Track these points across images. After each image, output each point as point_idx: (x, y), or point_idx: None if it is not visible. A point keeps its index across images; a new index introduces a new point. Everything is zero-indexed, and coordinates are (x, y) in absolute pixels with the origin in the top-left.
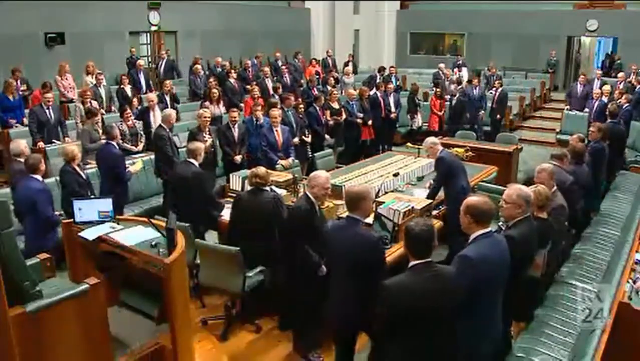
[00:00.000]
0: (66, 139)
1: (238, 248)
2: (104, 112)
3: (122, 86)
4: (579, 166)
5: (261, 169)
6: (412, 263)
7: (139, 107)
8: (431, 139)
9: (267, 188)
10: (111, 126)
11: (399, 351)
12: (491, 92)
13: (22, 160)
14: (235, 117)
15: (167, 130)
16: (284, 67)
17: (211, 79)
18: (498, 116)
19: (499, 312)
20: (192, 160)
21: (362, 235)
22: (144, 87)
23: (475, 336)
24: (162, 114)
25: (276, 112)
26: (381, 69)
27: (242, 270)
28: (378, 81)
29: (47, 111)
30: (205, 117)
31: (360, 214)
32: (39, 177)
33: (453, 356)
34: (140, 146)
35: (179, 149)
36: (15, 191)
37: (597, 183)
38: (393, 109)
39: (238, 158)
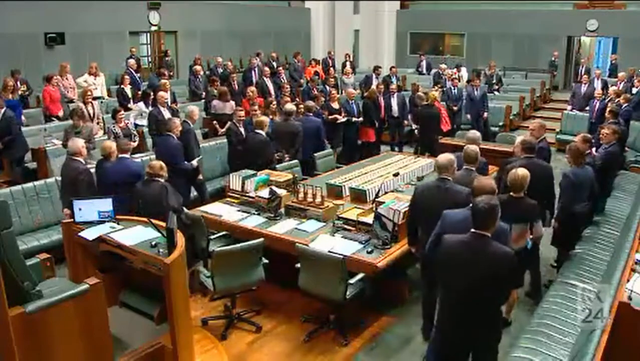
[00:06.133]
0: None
1: (262, 240)
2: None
3: (122, 86)
4: (581, 167)
5: (155, 163)
6: None
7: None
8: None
9: (159, 179)
10: (170, 119)
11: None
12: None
13: (80, 159)
14: None
15: (191, 125)
16: (280, 68)
17: (214, 79)
18: (485, 115)
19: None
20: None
21: None
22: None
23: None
24: (186, 110)
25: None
26: (376, 68)
27: (260, 261)
28: (377, 81)
29: None
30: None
31: None
32: (127, 155)
33: None
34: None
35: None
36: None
37: (605, 187)
38: (396, 112)
39: None
